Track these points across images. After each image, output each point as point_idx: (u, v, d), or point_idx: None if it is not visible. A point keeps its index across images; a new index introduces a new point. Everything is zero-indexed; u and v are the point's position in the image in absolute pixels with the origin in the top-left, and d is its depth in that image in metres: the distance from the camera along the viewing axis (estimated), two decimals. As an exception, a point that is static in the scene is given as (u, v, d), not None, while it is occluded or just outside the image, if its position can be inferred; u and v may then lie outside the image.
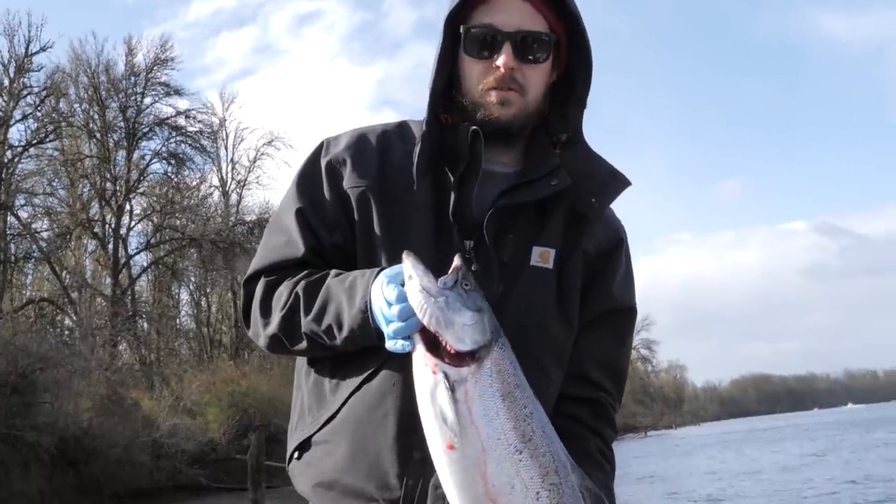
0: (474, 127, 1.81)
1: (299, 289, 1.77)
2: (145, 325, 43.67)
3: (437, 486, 1.65)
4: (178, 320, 47.36)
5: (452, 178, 1.81)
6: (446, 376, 1.51)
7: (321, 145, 1.94)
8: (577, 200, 1.85)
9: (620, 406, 1.99)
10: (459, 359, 1.53)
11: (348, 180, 1.85)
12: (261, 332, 1.85)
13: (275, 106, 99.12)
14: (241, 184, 48.67)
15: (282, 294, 1.80)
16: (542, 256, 1.83)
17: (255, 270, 1.89)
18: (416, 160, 1.81)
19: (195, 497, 30.25)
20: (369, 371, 1.75)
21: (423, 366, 1.54)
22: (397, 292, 1.57)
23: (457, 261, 1.59)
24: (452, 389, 1.50)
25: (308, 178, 1.90)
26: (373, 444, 1.73)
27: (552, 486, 1.51)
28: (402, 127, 1.94)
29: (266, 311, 1.82)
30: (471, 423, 1.50)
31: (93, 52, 41.65)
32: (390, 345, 1.58)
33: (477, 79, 1.82)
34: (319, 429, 1.81)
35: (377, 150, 1.88)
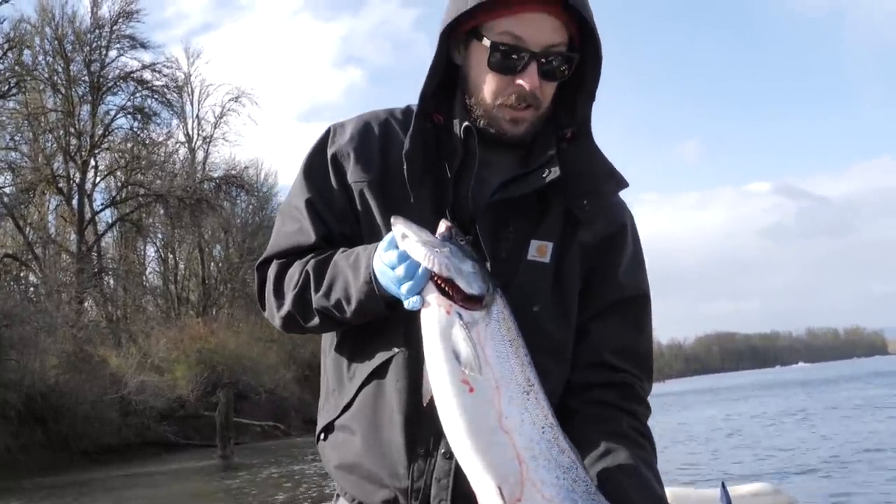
0: (466, 123, 1.81)
1: (309, 267, 1.82)
2: (111, 281, 43.35)
3: (440, 479, 1.75)
4: (144, 277, 47.05)
5: (449, 175, 1.83)
6: (460, 317, 1.59)
7: (327, 133, 1.96)
8: (570, 200, 1.84)
9: (650, 387, 1.93)
10: (470, 303, 1.60)
11: (352, 174, 1.88)
12: (275, 313, 1.90)
13: (238, 61, 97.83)
14: (208, 140, 48.25)
15: (293, 275, 1.85)
16: (540, 250, 1.83)
17: (268, 256, 1.94)
18: (406, 178, 1.82)
19: (164, 453, 30.30)
20: (377, 364, 1.82)
21: (437, 307, 1.60)
22: (397, 254, 1.62)
23: (444, 221, 1.65)
24: (467, 329, 1.58)
25: (315, 167, 1.93)
26: (383, 436, 1.80)
27: (553, 426, 1.61)
28: (407, 115, 1.93)
29: (279, 293, 1.88)
30: (485, 362, 1.58)
31: (56, 3, 40.85)
32: (408, 304, 1.62)
33: (495, 93, 1.79)
34: (340, 414, 1.89)
35: (379, 143, 1.90)
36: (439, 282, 1.61)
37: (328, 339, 1.98)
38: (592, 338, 1.87)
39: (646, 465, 1.75)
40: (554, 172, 1.81)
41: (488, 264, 1.76)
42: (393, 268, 1.63)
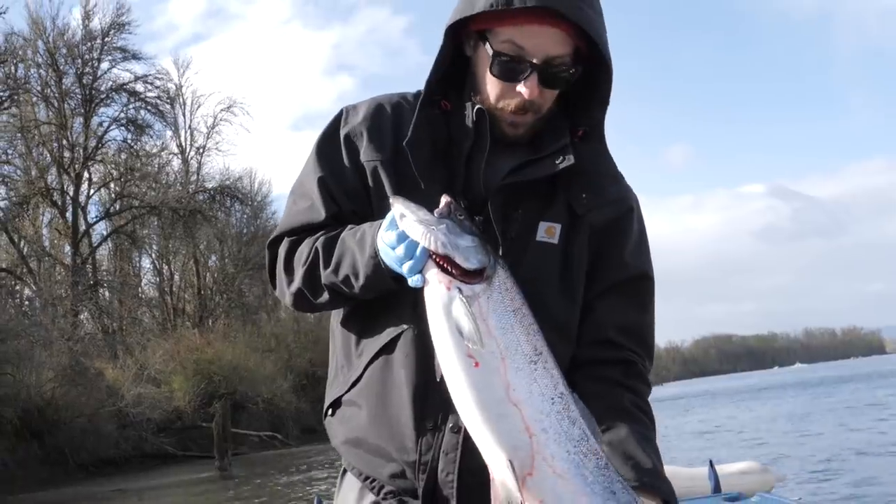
0: (479, 107, 1.86)
1: (318, 244, 1.86)
2: (107, 294, 43.27)
3: (448, 452, 1.79)
4: (140, 289, 46.95)
5: (461, 156, 1.88)
6: (461, 291, 1.60)
7: (340, 114, 2.00)
8: (571, 192, 1.90)
9: (651, 366, 2.00)
10: (470, 276, 1.61)
11: (364, 153, 1.92)
12: (286, 290, 1.94)
13: (229, 71, 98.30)
14: (200, 150, 48.20)
15: (303, 251, 1.89)
16: (548, 232, 1.88)
17: (280, 233, 1.98)
18: (413, 164, 1.86)
19: (162, 465, 30.24)
20: (385, 341, 1.86)
21: (437, 284, 1.62)
22: (396, 234, 1.65)
23: (445, 197, 1.67)
24: (468, 303, 1.59)
25: (328, 147, 1.97)
26: (392, 410, 1.84)
27: (563, 395, 1.62)
28: (418, 99, 1.96)
29: (289, 269, 1.92)
30: (488, 334, 1.59)
31: (48, 15, 40.88)
32: (411, 282, 1.65)
33: (497, 97, 1.84)
34: (348, 390, 1.93)
35: (392, 124, 1.94)
36: (438, 259, 1.62)
37: (336, 318, 2.02)
38: (597, 315, 1.93)
39: (645, 440, 1.82)
40: (568, 160, 1.86)
41: (500, 247, 1.80)
42: (393, 248, 1.66)
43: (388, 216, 1.69)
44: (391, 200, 1.69)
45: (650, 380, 1.98)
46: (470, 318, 1.58)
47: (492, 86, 1.83)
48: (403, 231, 1.64)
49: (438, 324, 1.62)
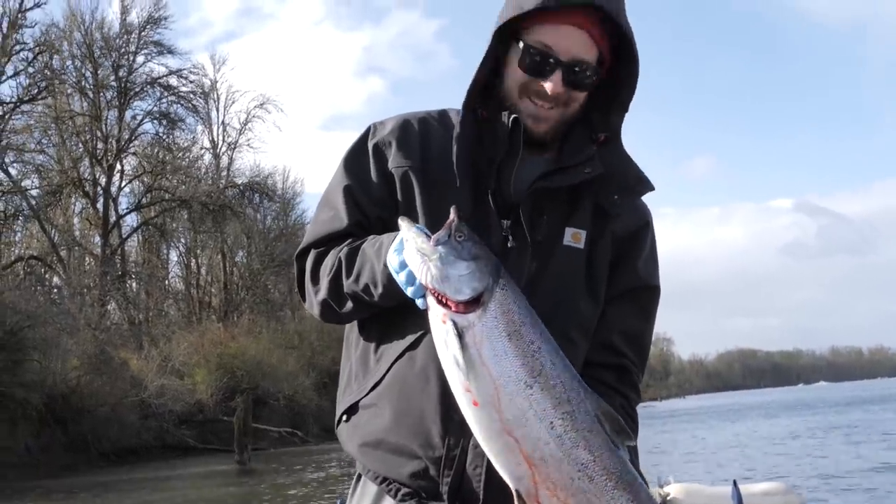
0: (515, 116, 1.92)
1: (342, 255, 1.91)
2: (134, 285, 43.64)
3: (477, 445, 1.76)
4: (167, 281, 47.33)
5: (493, 162, 1.94)
6: (455, 324, 1.61)
7: (368, 129, 2.07)
8: (601, 195, 1.98)
9: (643, 376, 2.10)
10: (465, 306, 1.62)
11: (393, 161, 1.98)
12: (313, 300, 2.00)
13: (260, 70, 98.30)
14: (232, 146, 48.57)
15: (327, 262, 1.94)
16: (575, 237, 1.96)
17: (306, 245, 2.03)
18: (455, 161, 1.94)
19: (182, 457, 30.41)
20: (410, 341, 1.89)
21: (436, 317, 1.65)
22: (399, 261, 1.71)
23: (452, 214, 1.70)
24: (461, 336, 1.60)
25: (356, 158, 2.03)
26: (416, 407, 1.86)
27: (565, 414, 1.61)
28: (444, 116, 2.06)
29: (315, 280, 1.98)
30: (482, 365, 1.60)
31: (87, 8, 41.37)
32: (418, 304, 1.70)
33: (520, 89, 1.92)
34: (366, 394, 1.95)
35: (419, 135, 2.01)
36: (433, 292, 1.64)
37: (353, 330, 2.05)
38: (606, 319, 2.02)
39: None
40: (597, 169, 1.96)
41: (530, 249, 1.88)
42: (397, 273, 1.72)
43: (398, 238, 1.74)
44: (398, 221, 1.73)
45: (641, 389, 2.08)
46: (461, 352, 1.60)
47: (518, 79, 1.91)
48: (404, 259, 1.69)
49: (441, 354, 1.67)
